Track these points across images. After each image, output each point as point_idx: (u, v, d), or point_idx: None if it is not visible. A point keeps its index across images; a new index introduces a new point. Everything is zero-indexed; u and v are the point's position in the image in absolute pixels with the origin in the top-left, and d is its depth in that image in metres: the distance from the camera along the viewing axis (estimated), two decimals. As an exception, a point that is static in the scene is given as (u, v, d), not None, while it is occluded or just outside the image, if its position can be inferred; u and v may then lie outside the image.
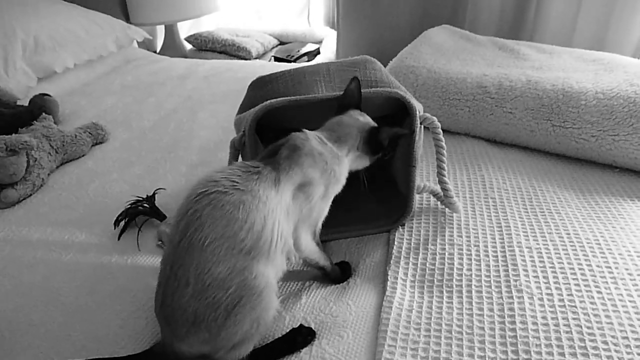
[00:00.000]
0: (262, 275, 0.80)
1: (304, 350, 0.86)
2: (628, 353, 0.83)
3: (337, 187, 0.95)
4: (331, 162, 0.91)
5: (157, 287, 0.82)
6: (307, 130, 0.93)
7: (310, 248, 0.95)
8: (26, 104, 1.75)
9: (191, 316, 0.76)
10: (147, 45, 3.23)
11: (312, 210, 0.91)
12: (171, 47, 3.35)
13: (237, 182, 0.81)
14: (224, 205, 0.78)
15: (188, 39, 3.45)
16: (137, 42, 2.76)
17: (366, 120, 1.00)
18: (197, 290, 0.76)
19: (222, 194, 0.79)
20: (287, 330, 0.90)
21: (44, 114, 1.64)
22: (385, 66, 1.58)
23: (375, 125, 0.99)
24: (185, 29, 3.63)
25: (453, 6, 2.57)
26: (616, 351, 0.83)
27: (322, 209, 0.95)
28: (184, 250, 0.77)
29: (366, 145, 0.97)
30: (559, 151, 1.47)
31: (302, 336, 0.88)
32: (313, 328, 0.91)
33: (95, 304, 0.99)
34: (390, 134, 0.98)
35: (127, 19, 3.00)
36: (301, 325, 0.90)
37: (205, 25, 3.76)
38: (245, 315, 0.77)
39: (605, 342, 0.85)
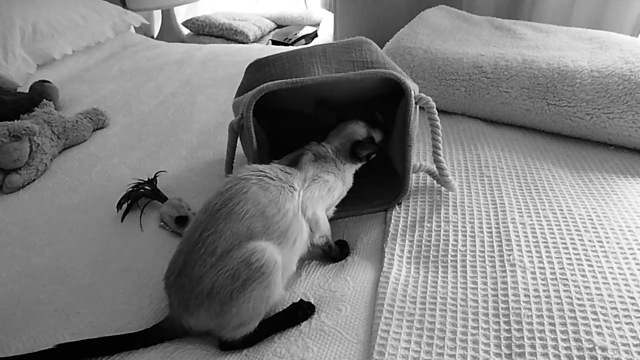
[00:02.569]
0: (279, 260, 0.85)
1: (304, 323, 0.90)
2: (616, 322, 0.86)
3: (347, 188, 1.09)
4: (342, 169, 1.06)
5: (175, 256, 0.86)
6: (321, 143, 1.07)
7: (327, 226, 1.02)
8: (26, 90, 1.77)
9: (208, 287, 0.79)
10: (144, 30, 3.22)
11: (333, 204, 1.07)
12: (168, 32, 3.35)
13: (280, 177, 0.93)
14: (270, 188, 0.89)
15: (185, 24, 3.44)
16: (135, 27, 2.76)
17: (356, 132, 1.11)
18: (222, 260, 0.80)
19: (270, 179, 0.91)
20: (288, 305, 0.93)
21: (44, 100, 1.66)
22: (382, 47, 1.59)
23: (359, 139, 1.10)
24: (182, 14, 3.62)
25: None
26: (605, 321, 0.86)
27: (335, 202, 1.08)
28: (221, 218, 0.83)
29: (351, 157, 1.09)
30: (554, 129, 1.49)
31: (302, 310, 0.91)
32: (313, 302, 0.94)
33: (101, 283, 1.03)
34: (368, 150, 1.09)
35: (124, 5, 2.99)
36: (301, 300, 0.94)
37: (202, 9, 3.75)
38: (258, 292, 0.81)
39: (595, 313, 0.88)
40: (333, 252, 1.06)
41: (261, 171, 0.92)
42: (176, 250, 0.87)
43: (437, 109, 1.16)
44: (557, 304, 0.90)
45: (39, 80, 1.79)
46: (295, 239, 0.90)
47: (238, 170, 0.94)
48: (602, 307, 0.89)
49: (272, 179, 0.92)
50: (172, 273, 0.85)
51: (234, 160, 1.22)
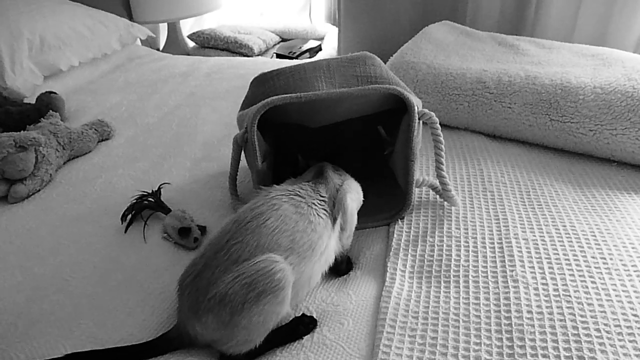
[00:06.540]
0: (293, 278, 0.85)
1: (305, 337, 0.90)
2: (620, 340, 0.86)
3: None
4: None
5: (197, 259, 0.86)
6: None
7: (355, 216, 1.04)
8: (33, 101, 1.78)
9: (222, 292, 0.80)
10: (150, 43, 3.25)
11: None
12: (174, 45, 3.38)
13: (309, 194, 0.96)
14: (301, 205, 0.93)
15: (190, 37, 3.47)
16: (140, 40, 2.79)
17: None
18: (243, 270, 0.80)
19: (300, 197, 0.94)
20: (290, 319, 0.92)
21: (50, 111, 1.67)
22: (385, 62, 1.61)
23: None
24: (187, 27, 3.66)
25: (453, 2, 2.59)
26: (608, 339, 0.86)
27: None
28: (249, 230, 0.85)
29: None
30: (557, 145, 1.49)
31: (304, 324, 0.91)
32: (315, 316, 0.94)
33: (103, 294, 1.02)
34: None
35: (130, 17, 3.03)
36: (303, 314, 0.93)
37: (207, 22, 3.78)
38: (272, 306, 0.81)
39: (598, 330, 0.88)
40: (342, 265, 1.06)
41: (290, 191, 0.95)
42: (198, 254, 0.88)
43: (440, 123, 1.17)
44: (560, 320, 0.90)
45: (46, 92, 1.81)
46: (324, 249, 0.92)
47: (268, 191, 0.96)
48: (605, 325, 0.89)
49: (303, 197, 0.95)
50: (189, 275, 0.85)
51: (238, 173, 1.23)
